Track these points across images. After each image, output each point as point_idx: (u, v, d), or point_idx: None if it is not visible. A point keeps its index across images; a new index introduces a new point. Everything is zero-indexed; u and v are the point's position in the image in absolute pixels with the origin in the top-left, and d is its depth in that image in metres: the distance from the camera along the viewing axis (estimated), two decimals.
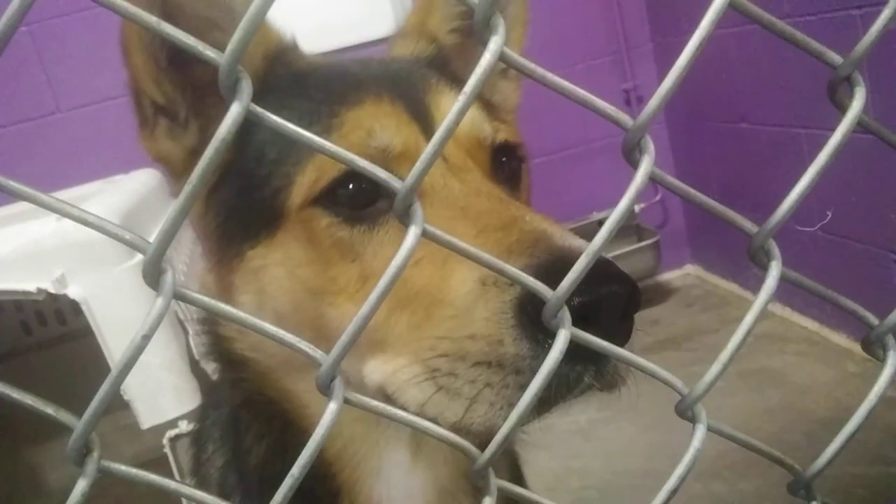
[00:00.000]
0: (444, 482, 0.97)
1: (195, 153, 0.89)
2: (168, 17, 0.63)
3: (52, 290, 1.72)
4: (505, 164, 0.91)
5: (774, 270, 0.44)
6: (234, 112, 0.29)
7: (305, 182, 0.81)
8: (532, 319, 0.59)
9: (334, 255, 0.79)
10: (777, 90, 2.89)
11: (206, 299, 0.33)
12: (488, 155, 0.88)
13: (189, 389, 1.86)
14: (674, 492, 0.44)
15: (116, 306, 1.72)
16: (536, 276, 0.52)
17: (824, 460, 0.50)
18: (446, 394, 0.67)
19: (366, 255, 0.78)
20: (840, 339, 2.84)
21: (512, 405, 0.60)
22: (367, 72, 0.94)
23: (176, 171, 0.92)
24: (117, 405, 1.87)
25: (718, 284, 3.57)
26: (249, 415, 0.94)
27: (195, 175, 0.30)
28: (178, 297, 0.32)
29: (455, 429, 0.64)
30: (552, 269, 0.57)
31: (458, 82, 0.93)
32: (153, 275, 0.31)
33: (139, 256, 1.38)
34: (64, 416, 0.32)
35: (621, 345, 0.57)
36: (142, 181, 2.48)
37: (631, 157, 0.39)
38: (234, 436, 1.01)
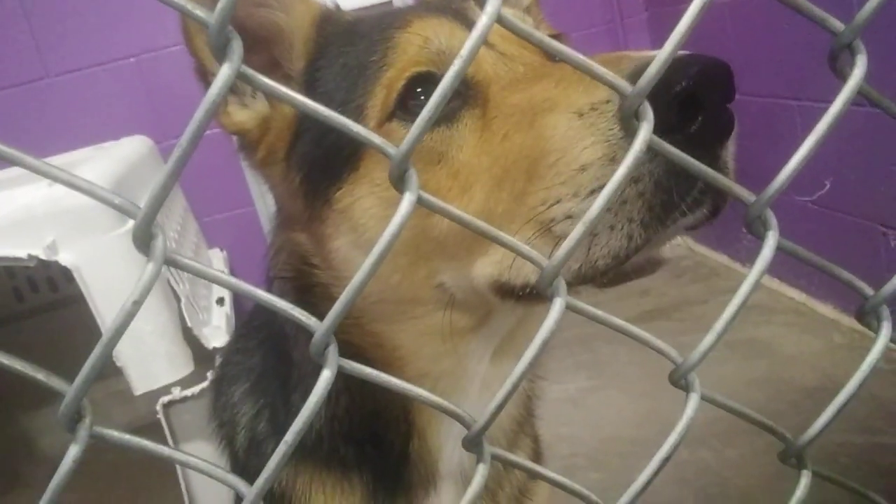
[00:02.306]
0: (516, 417, 1.01)
1: (267, 119, 0.92)
2: None
3: (43, 257, 1.71)
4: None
5: (771, 240, 0.44)
6: (224, 74, 0.29)
7: (376, 104, 0.83)
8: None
9: (419, 164, 0.81)
10: (769, 62, 2.87)
11: (199, 265, 0.33)
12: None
13: (182, 356, 1.86)
14: (667, 459, 0.44)
15: (108, 273, 1.72)
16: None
17: (816, 429, 0.51)
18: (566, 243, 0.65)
19: (450, 153, 0.79)
20: (826, 310, 2.86)
21: (632, 220, 0.60)
22: (411, 7, 0.98)
23: (252, 140, 0.94)
24: (110, 371, 1.87)
25: (708, 255, 3.58)
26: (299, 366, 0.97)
27: (185, 138, 0.29)
28: (170, 262, 0.31)
29: (581, 277, 0.64)
30: (640, 69, 0.55)
31: None
32: (144, 240, 0.30)
33: (131, 223, 1.37)
34: (55, 382, 0.32)
35: (725, 137, 0.57)
36: (132, 148, 2.45)
37: (629, 124, 0.38)
38: (272, 387, 1.04)
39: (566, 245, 0.36)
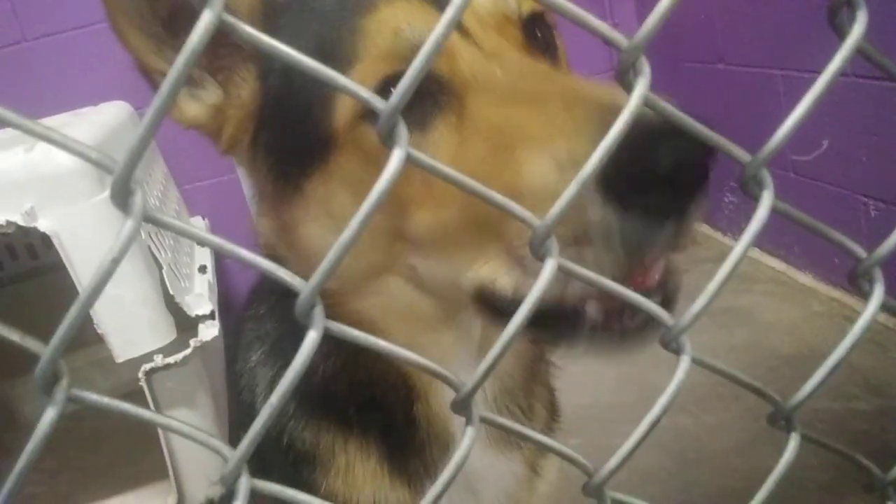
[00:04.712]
0: (505, 380, 1.02)
1: (221, 110, 0.88)
2: None
3: (21, 223, 1.68)
4: (539, 37, 0.86)
5: (766, 200, 0.43)
6: (206, 20, 0.27)
7: (347, 103, 0.78)
8: (617, 189, 0.56)
9: None
10: (754, 31, 2.86)
11: (177, 223, 0.31)
12: (520, 30, 0.84)
13: (164, 324, 1.85)
14: (656, 422, 0.44)
15: (88, 240, 1.69)
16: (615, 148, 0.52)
17: (806, 391, 0.51)
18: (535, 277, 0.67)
19: None
20: (806, 279, 2.89)
21: (604, 271, 0.59)
22: None
23: (211, 132, 0.91)
24: (92, 339, 1.86)
25: None
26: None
27: (163, 89, 0.28)
28: (149, 220, 0.30)
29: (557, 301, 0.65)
30: (630, 136, 0.55)
31: None
32: (122, 195, 0.29)
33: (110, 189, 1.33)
34: (30, 343, 0.31)
35: (695, 203, 0.57)
36: (112, 114, 2.41)
37: (624, 79, 0.37)
38: (288, 348, 1.02)
39: (559, 204, 0.35)
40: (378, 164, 0.80)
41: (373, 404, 0.97)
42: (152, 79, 0.85)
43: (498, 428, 0.46)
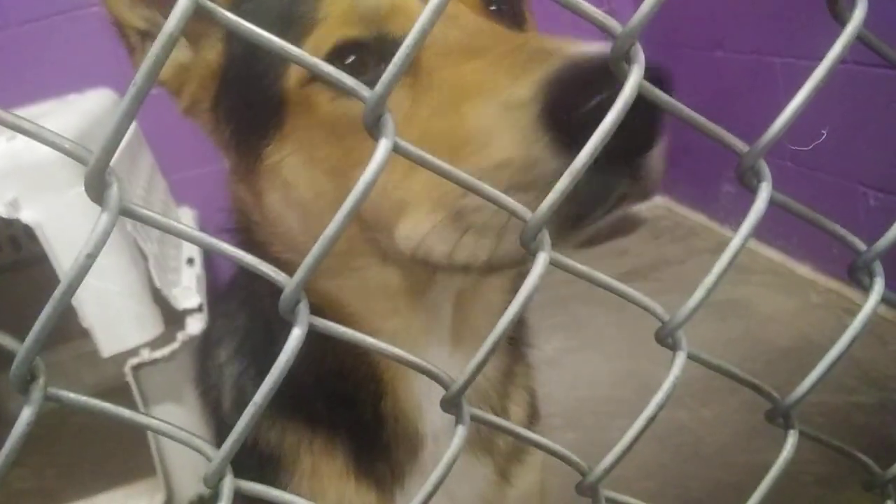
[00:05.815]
0: (478, 381, 0.99)
1: (186, 68, 0.89)
2: None
3: (4, 215, 1.66)
4: (505, 9, 0.87)
5: (764, 192, 0.42)
6: (182, 5, 0.26)
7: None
8: (564, 128, 0.55)
9: (345, 128, 0.77)
10: (753, 17, 2.84)
11: (156, 216, 0.30)
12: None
13: (151, 317, 1.83)
14: (652, 418, 0.43)
15: (72, 231, 1.67)
16: (555, 85, 0.53)
17: (805, 388, 0.50)
18: (475, 232, 0.65)
19: None
20: (804, 270, 2.88)
21: (560, 216, 0.57)
22: None
23: (172, 89, 0.91)
24: (77, 333, 1.84)
25: (686, 216, 3.59)
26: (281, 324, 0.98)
27: (139, 76, 0.27)
28: (125, 212, 0.29)
29: (489, 266, 0.65)
30: (569, 73, 0.55)
31: None
32: (97, 188, 0.28)
33: None
34: (5, 341, 0.30)
35: (646, 150, 0.57)
36: (96, 101, 2.38)
37: (618, 67, 0.36)
38: (258, 345, 1.01)
39: (550, 198, 0.34)
40: (327, 126, 0.78)
41: (341, 399, 0.95)
42: (125, 33, 0.86)
43: (489, 426, 0.45)
